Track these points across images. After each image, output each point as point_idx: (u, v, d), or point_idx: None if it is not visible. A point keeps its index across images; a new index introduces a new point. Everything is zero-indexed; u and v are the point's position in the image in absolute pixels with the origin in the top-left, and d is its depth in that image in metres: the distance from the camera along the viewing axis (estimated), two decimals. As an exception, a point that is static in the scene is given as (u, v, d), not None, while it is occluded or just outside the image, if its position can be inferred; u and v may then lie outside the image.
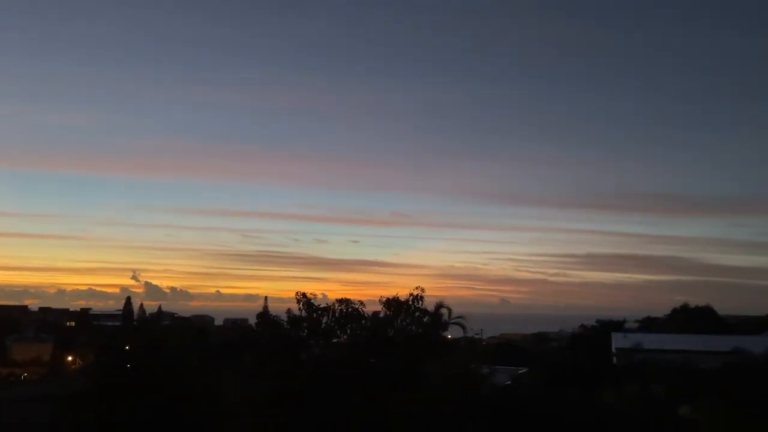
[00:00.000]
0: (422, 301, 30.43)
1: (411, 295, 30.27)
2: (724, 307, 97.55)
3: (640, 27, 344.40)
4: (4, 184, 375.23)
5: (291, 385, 23.85)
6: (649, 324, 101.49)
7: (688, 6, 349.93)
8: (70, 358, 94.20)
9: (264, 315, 51.96)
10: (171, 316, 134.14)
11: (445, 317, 33.09)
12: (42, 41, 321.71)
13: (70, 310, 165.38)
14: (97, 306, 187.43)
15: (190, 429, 24.03)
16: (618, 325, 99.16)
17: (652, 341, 59.50)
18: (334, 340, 29.90)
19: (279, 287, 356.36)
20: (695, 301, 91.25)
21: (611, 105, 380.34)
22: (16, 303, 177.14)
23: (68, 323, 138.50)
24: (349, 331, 30.04)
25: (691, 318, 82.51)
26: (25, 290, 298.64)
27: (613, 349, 61.42)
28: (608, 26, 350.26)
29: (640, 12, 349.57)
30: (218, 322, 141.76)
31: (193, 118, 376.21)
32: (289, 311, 29.72)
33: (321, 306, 29.55)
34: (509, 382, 35.99)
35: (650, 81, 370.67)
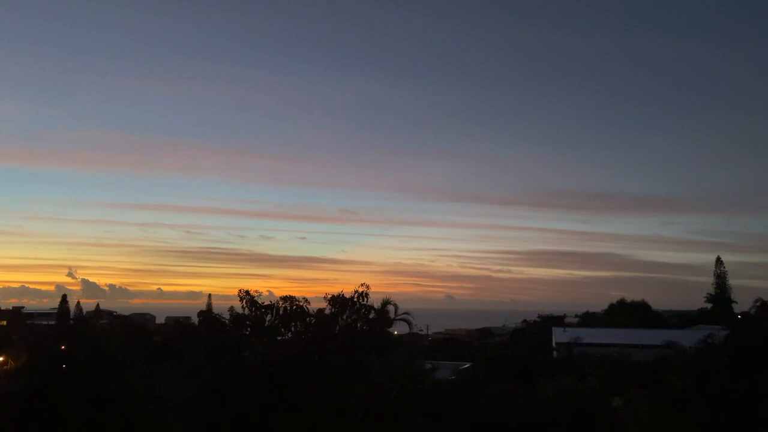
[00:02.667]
0: (367, 297, 30.66)
1: (356, 291, 30.41)
2: (659, 302, 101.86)
3: (581, 30, 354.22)
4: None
5: (231, 383, 23.50)
6: (588, 319, 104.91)
7: (621, 11, 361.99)
8: (1, 359, 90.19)
9: (206, 313, 51.06)
10: (110, 314, 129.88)
11: (391, 314, 33.42)
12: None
13: (2, 308, 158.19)
14: (31, 304, 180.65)
15: (127, 429, 23.39)
16: (559, 320, 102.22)
17: (590, 335, 61.54)
18: (279, 338, 29.68)
19: (223, 284, 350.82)
20: (631, 296, 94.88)
21: (552, 106, 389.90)
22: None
23: (0, 322, 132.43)
24: (293, 328, 29.88)
25: (628, 313, 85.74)
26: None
27: (554, 343, 63.21)
28: (551, 29, 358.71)
29: (582, 15, 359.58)
30: (160, 320, 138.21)
31: (135, 110, 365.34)
32: (231, 309, 29.36)
33: (265, 303, 29.30)
34: (452, 377, 36.45)
35: (589, 84, 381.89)
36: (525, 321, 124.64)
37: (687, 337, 48.93)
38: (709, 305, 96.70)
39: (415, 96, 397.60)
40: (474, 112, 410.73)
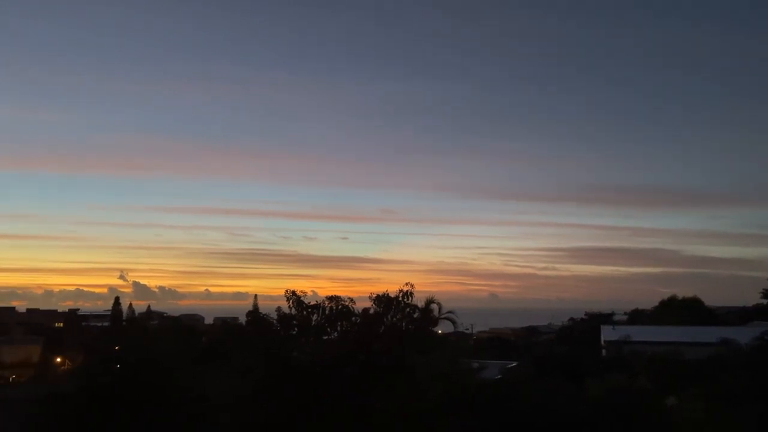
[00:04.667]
0: (412, 297, 30.50)
1: (401, 291, 30.32)
2: (711, 298, 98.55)
3: (623, 23, 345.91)
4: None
5: (281, 382, 23.83)
6: (637, 316, 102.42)
7: (663, 2, 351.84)
8: (58, 360, 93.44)
9: (254, 313, 51.81)
10: (160, 315, 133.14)
11: (435, 313, 33.21)
12: (21, 40, 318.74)
13: (58, 311, 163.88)
14: (86, 306, 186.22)
15: (178, 429, 23.98)
16: (606, 318, 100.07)
17: (640, 333, 60.11)
18: (325, 338, 29.87)
19: (268, 285, 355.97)
20: (682, 292, 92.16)
21: (596, 100, 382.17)
22: (3, 304, 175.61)
23: (56, 324, 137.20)
24: (339, 328, 30.01)
25: (679, 310, 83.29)
26: (12, 292, 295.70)
27: (602, 342, 61.95)
28: (591, 22, 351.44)
29: (622, 8, 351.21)
30: (208, 320, 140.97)
31: (183, 116, 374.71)
32: (278, 309, 29.64)
33: (311, 304, 29.48)
34: (499, 376, 36.14)
35: (634, 77, 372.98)
36: (572, 319, 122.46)
37: (742, 334, 47.37)
38: (765, 301, 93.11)
39: (454, 94, 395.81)
40: (515, 108, 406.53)
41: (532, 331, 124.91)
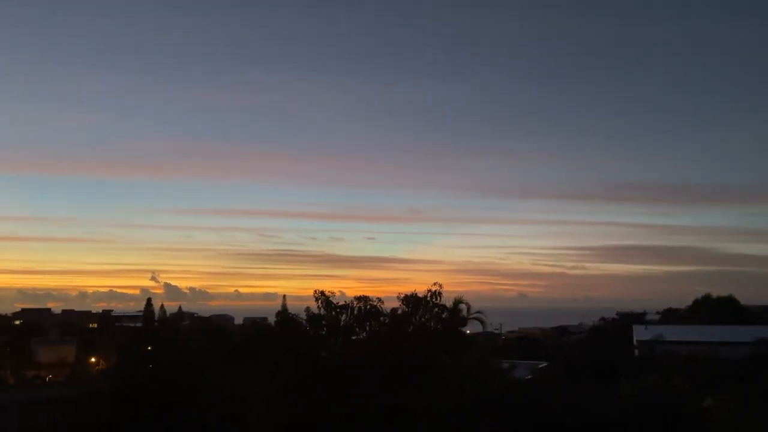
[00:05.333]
0: (440, 297, 30.38)
1: (429, 291, 30.23)
2: (747, 297, 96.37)
3: (651, 18, 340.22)
4: (24, 188, 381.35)
5: (310, 383, 23.93)
6: (670, 316, 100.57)
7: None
8: (93, 360, 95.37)
9: (283, 314, 52.24)
10: (191, 316, 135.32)
11: (464, 313, 33.05)
12: (58, 45, 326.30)
13: (92, 312, 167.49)
14: (119, 307, 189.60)
15: (209, 429, 24.23)
16: (638, 318, 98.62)
17: (673, 333, 59.09)
18: (353, 338, 29.93)
19: (296, 285, 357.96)
20: (716, 291, 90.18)
21: (624, 96, 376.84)
22: (40, 306, 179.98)
23: (91, 325, 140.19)
24: (367, 328, 30.05)
25: (714, 309, 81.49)
26: (47, 293, 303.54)
27: (635, 341, 61.01)
28: (619, 17, 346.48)
29: (651, 3, 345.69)
30: (238, 321, 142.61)
31: (209, 120, 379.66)
32: (308, 309, 29.80)
33: (339, 304, 29.57)
34: (529, 376, 35.82)
35: (664, 71, 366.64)
36: (602, 319, 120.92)
37: (780, 334, 46.23)
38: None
39: (479, 92, 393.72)
40: (540, 105, 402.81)
41: (562, 330, 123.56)
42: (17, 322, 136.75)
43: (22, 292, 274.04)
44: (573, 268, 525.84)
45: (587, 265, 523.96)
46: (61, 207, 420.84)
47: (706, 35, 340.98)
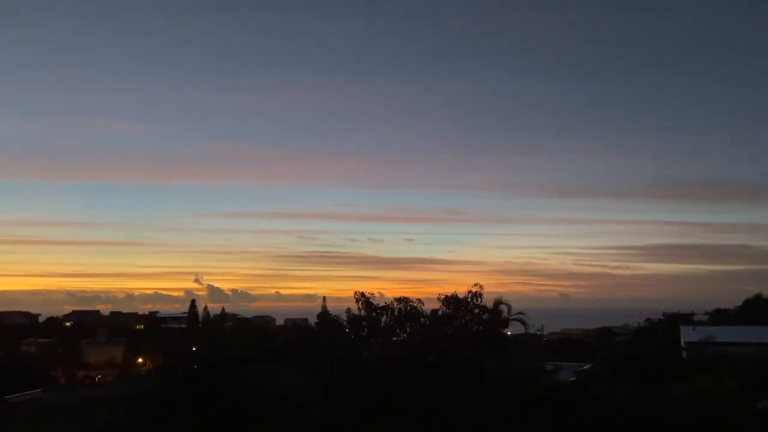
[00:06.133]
0: (481, 298, 30.12)
1: (469, 292, 29.98)
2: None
3: (691, 13, 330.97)
4: (73, 195, 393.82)
5: (350, 384, 23.96)
6: (719, 316, 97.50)
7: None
8: (140, 360, 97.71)
9: (324, 315, 52.57)
10: (234, 317, 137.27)
11: (505, 314, 32.66)
12: (101, 53, 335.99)
13: (139, 313, 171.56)
14: (164, 309, 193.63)
15: (251, 428, 24.45)
16: (686, 318, 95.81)
17: (724, 334, 57.16)
18: (394, 339, 29.90)
19: (335, 287, 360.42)
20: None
21: (667, 92, 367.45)
22: (89, 308, 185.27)
23: (137, 326, 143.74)
24: (408, 329, 29.97)
25: (766, 309, 78.64)
26: (96, 295, 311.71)
27: (682, 343, 59.29)
28: (659, 13, 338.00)
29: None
30: (279, 322, 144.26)
31: (248, 124, 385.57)
32: (348, 311, 29.92)
33: (380, 305, 29.58)
34: (573, 378, 35.18)
35: (708, 68, 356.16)
36: (648, 319, 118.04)
37: (839, 335, 44.41)
38: None
39: (516, 91, 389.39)
40: (580, 103, 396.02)
41: (605, 332, 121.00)
42: (68, 324, 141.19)
43: (71, 295, 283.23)
44: (617, 267, 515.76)
45: (631, 264, 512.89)
46: (108, 212, 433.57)
47: (757, 27, 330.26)
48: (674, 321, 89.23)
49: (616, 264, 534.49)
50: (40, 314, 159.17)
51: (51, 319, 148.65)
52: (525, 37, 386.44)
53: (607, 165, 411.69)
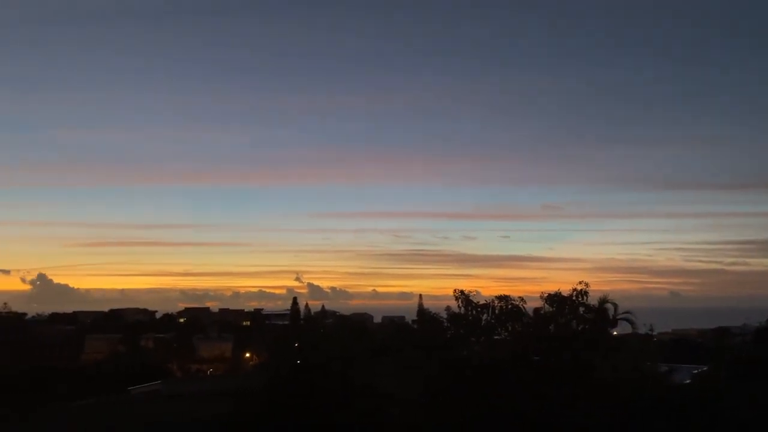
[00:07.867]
0: (587, 296, 29.00)
1: (574, 290, 28.97)
2: None
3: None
4: (181, 199, 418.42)
5: (453, 381, 23.77)
6: None
7: None
8: (247, 355, 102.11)
9: (422, 313, 52.58)
10: (333, 314, 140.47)
11: (611, 313, 31.27)
12: (203, 65, 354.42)
13: (245, 310, 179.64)
14: (268, 306, 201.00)
15: (353, 424, 24.77)
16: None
17: None
18: (495, 338, 29.44)
19: (430, 285, 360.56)
20: None
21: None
22: (199, 305, 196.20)
23: (244, 323, 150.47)
24: (509, 328, 29.40)
25: None
26: (205, 293, 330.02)
27: (813, 345, 54.53)
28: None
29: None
30: (376, 319, 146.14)
31: (343, 126, 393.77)
32: (448, 308, 29.76)
33: (480, 303, 29.20)
34: (688, 381, 33.18)
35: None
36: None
37: None
38: None
39: (615, 79, 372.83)
40: (688, 90, 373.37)
41: (722, 332, 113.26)
42: (181, 320, 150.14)
43: (183, 293, 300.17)
44: (733, 264, 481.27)
45: (750, 260, 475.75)
46: (215, 214, 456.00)
47: None
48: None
49: (733, 260, 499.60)
50: (156, 311, 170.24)
51: (166, 316, 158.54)
52: (628, 26, 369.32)
53: (718, 155, 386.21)
